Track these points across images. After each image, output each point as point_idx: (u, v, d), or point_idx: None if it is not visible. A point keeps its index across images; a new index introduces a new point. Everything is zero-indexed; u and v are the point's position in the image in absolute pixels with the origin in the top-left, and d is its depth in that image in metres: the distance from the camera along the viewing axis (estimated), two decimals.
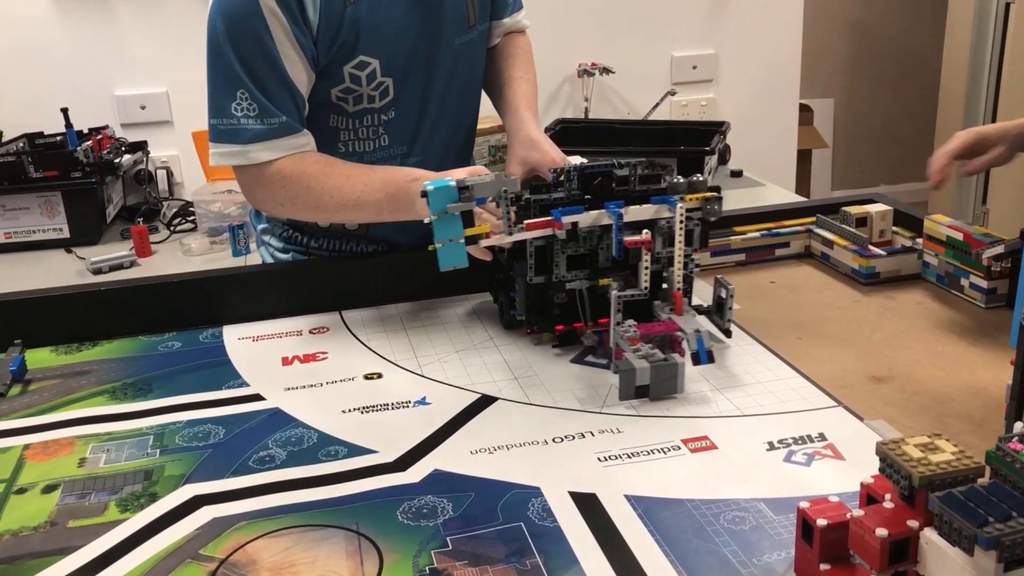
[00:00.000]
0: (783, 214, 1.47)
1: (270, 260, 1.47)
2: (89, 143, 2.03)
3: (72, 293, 1.27)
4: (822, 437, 0.93)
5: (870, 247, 1.33)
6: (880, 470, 0.65)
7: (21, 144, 2.08)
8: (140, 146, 2.24)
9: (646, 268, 1.07)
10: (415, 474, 0.89)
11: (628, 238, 1.06)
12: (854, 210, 1.37)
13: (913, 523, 0.62)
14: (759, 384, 1.04)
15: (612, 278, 1.10)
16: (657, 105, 2.49)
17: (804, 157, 3.55)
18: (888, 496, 0.65)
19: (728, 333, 1.10)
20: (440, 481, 0.88)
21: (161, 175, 2.27)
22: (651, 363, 0.99)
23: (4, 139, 2.14)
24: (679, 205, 1.07)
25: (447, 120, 1.38)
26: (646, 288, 1.09)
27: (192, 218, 2.10)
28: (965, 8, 3.27)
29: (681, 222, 1.07)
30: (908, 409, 0.98)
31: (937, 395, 1.01)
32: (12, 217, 1.98)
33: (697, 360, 1.01)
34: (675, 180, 1.10)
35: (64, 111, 2.02)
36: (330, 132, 1.31)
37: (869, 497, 0.68)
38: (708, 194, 1.10)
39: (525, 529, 0.80)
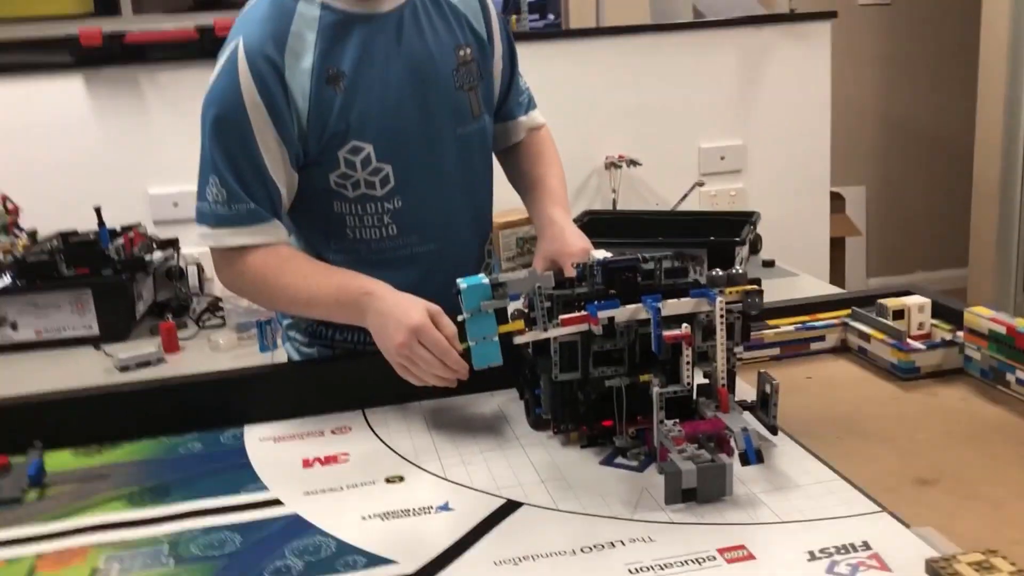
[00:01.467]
0: (818, 307, 1.44)
1: (296, 356, 1.45)
2: (121, 240, 2.05)
3: (93, 395, 1.26)
4: (866, 546, 0.87)
5: (908, 340, 1.29)
6: None
7: (55, 242, 2.10)
8: (172, 243, 2.26)
9: (687, 363, 1.05)
10: None
11: (668, 332, 1.03)
12: (891, 303, 1.34)
13: None
14: (798, 488, 0.99)
15: (653, 374, 1.07)
16: (686, 196, 2.49)
17: (838, 245, 3.51)
18: None
19: (774, 431, 1.07)
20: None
21: (192, 271, 2.28)
22: (698, 464, 0.95)
23: (39, 238, 2.17)
24: (719, 299, 1.05)
25: (464, 212, 1.38)
26: (689, 384, 1.06)
27: (221, 314, 2.10)
28: (996, 91, 3.26)
29: (722, 316, 1.05)
30: (958, 515, 0.92)
31: (989, 499, 0.95)
32: (43, 315, 1.99)
33: (746, 460, 0.97)
34: (714, 273, 1.07)
35: (97, 210, 2.05)
36: (336, 219, 1.32)
37: None
38: (749, 287, 1.07)
39: None
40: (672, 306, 1.06)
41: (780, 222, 2.61)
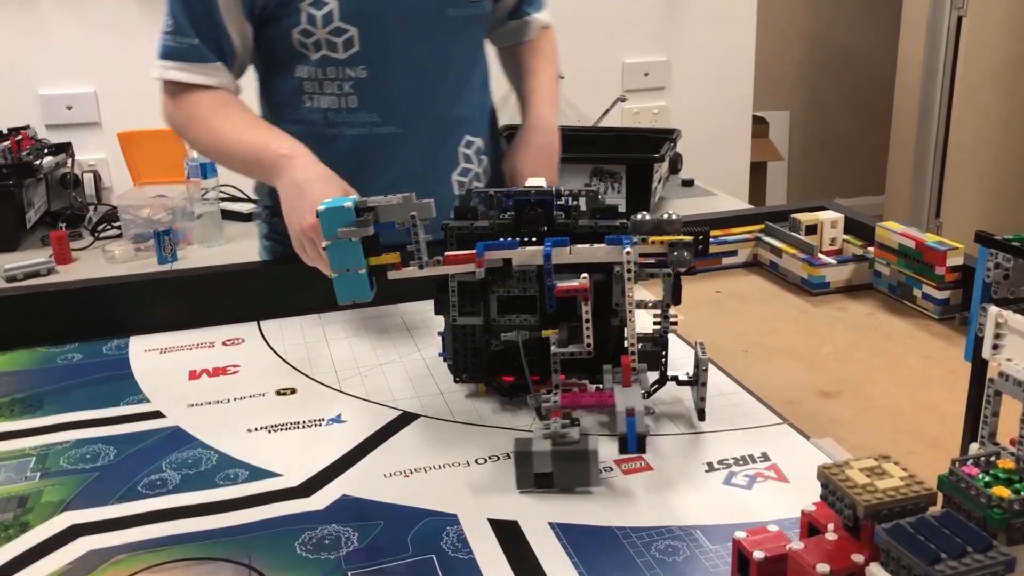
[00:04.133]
0: (731, 221, 1.41)
1: (261, 250, 1.44)
2: (7, 143, 1.92)
3: None
4: (765, 457, 0.86)
5: (820, 255, 1.27)
6: (822, 497, 0.58)
7: None
8: (64, 148, 2.13)
9: (587, 322, 0.87)
10: (320, 500, 0.81)
11: (561, 284, 0.86)
12: (804, 217, 1.32)
13: (858, 557, 0.55)
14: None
15: (558, 329, 0.91)
16: (607, 112, 2.43)
17: (759, 170, 3.52)
18: (831, 526, 0.59)
19: (701, 415, 0.91)
20: (347, 508, 0.80)
21: (88, 179, 2.16)
22: (555, 447, 0.80)
23: None
24: (628, 248, 0.85)
25: (438, 102, 1.31)
26: (589, 346, 0.88)
27: (118, 224, 1.99)
28: (918, 21, 3.26)
29: (630, 269, 0.86)
30: (857, 426, 0.92)
31: (888, 411, 0.94)
32: None
33: (624, 447, 0.78)
34: (638, 217, 0.88)
35: None
36: (295, 83, 1.27)
37: (811, 527, 0.61)
38: (678, 237, 0.87)
39: (436, 562, 0.72)
40: (581, 252, 0.88)
41: (702, 143, 2.59)
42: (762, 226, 1.39)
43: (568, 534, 0.75)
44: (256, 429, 0.94)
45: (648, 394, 0.92)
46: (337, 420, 0.96)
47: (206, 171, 1.92)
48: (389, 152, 1.29)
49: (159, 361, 1.12)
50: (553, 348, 0.88)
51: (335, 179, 1.14)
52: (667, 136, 2.11)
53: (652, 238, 0.86)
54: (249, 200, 2.18)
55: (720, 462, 0.85)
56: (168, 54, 1.24)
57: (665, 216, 0.87)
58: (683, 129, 2.30)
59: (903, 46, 3.43)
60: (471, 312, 0.94)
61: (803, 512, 0.62)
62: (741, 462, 0.85)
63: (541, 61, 1.44)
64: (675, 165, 2.22)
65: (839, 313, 1.20)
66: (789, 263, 1.29)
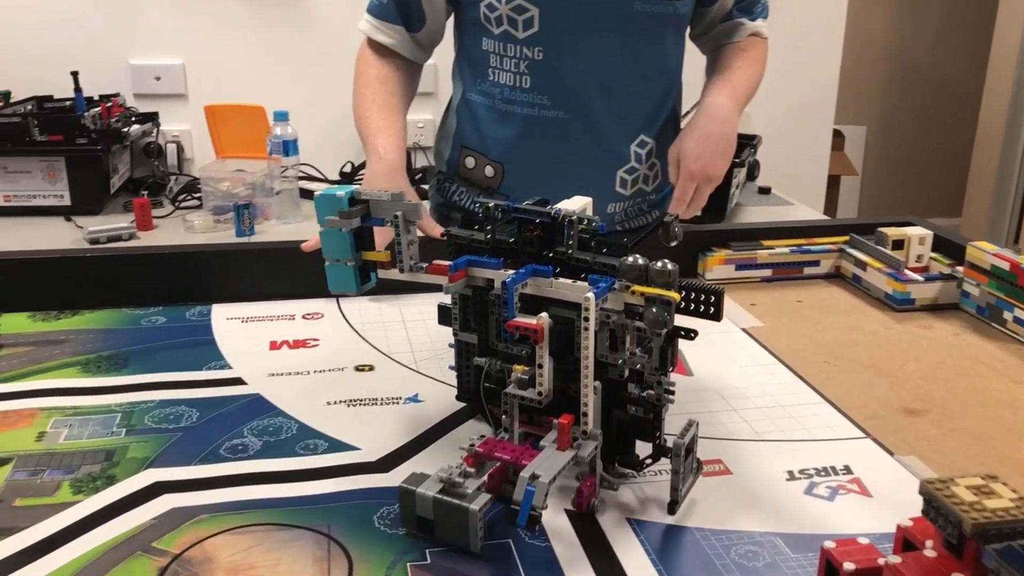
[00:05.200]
0: (814, 231, 1.39)
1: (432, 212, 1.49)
2: (97, 110, 1.97)
3: (56, 258, 1.20)
4: (847, 470, 0.84)
5: (906, 271, 1.25)
6: (923, 512, 0.57)
7: (29, 106, 2.02)
8: (151, 117, 2.17)
9: (539, 367, 0.75)
10: (397, 477, 0.81)
11: (516, 319, 0.75)
12: (891, 232, 1.29)
13: None
14: (780, 407, 0.96)
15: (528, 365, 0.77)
16: (688, 113, 2.41)
17: (832, 184, 3.46)
18: (929, 543, 0.57)
19: (673, 508, 0.77)
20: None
21: (171, 149, 2.21)
22: (436, 496, 0.71)
23: (13, 100, 2.08)
24: (590, 292, 0.72)
25: (613, 96, 1.30)
26: (541, 392, 0.75)
27: (198, 195, 2.03)
28: (1010, 43, 3.18)
29: (587, 318, 0.72)
30: (943, 447, 0.89)
31: (977, 434, 0.92)
32: (13, 180, 1.91)
33: (512, 519, 0.69)
34: (629, 260, 0.74)
35: (74, 74, 1.96)
36: (482, 56, 1.31)
37: (906, 542, 0.59)
38: (659, 292, 0.72)
39: (514, 548, 0.72)
40: (541, 286, 0.78)
41: (780, 152, 2.56)
42: (846, 238, 1.36)
43: (645, 530, 0.75)
44: (335, 402, 0.95)
45: (642, 466, 0.80)
46: (414, 399, 0.96)
47: (287, 148, 1.95)
48: (556, 137, 1.31)
49: (240, 330, 1.13)
50: (508, 388, 0.77)
51: (397, 177, 1.23)
52: (748, 142, 2.08)
53: (635, 287, 0.74)
54: (326, 180, 2.20)
55: (801, 471, 0.84)
56: (369, 7, 1.34)
57: (659, 265, 0.73)
58: (762, 137, 2.27)
59: (992, 67, 3.35)
60: (472, 328, 0.85)
61: (899, 526, 0.60)
62: (823, 473, 0.84)
63: (739, 59, 1.36)
64: (752, 172, 2.19)
65: (923, 331, 1.17)
66: (873, 277, 1.27)
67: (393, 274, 0.84)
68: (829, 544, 0.62)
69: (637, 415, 0.77)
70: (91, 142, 1.91)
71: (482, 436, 0.77)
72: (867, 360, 1.09)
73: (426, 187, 1.61)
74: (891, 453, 0.87)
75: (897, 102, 4.20)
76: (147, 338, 1.10)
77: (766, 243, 1.34)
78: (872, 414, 0.95)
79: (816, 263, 1.35)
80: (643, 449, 0.80)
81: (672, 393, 0.76)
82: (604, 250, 0.79)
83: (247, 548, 0.71)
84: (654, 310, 0.72)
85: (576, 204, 0.82)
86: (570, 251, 0.79)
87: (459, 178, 1.41)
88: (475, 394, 0.88)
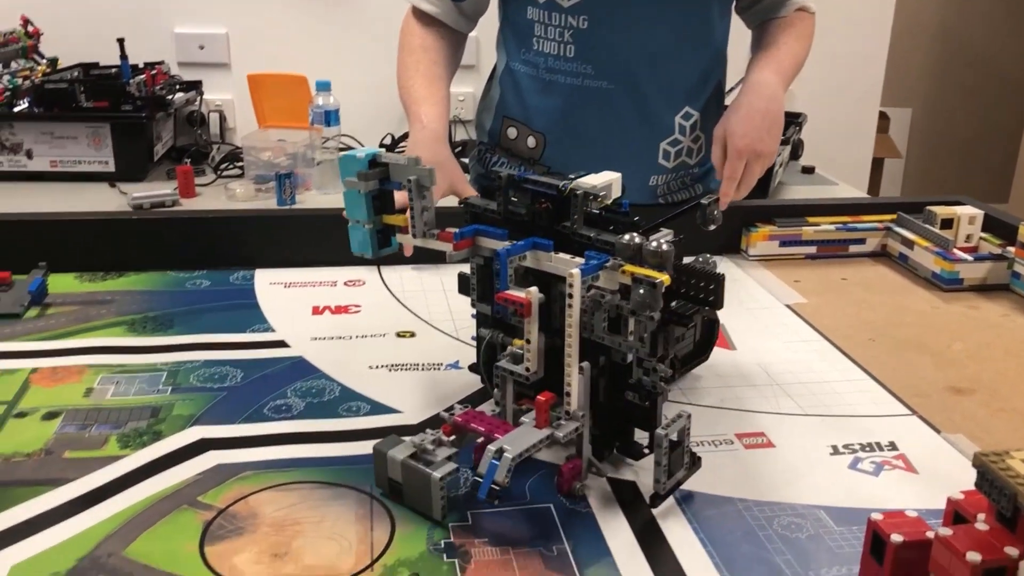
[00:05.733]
0: (861, 208, 1.37)
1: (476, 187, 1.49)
2: (142, 77, 1.98)
3: (103, 220, 1.22)
4: (893, 447, 0.83)
5: (955, 251, 1.22)
6: (976, 485, 0.56)
7: (75, 73, 2.04)
8: (194, 86, 2.19)
9: (527, 342, 0.73)
10: None
11: (507, 292, 0.73)
12: (940, 210, 1.27)
13: (1012, 550, 0.53)
14: (825, 383, 0.95)
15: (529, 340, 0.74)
16: (732, 89, 2.38)
17: (876, 166, 3.41)
18: (981, 516, 0.56)
19: (655, 501, 0.73)
20: (465, 451, 0.80)
21: (214, 118, 2.22)
22: (404, 459, 0.71)
23: (60, 67, 2.10)
24: (577, 272, 0.69)
25: (658, 67, 1.29)
26: (529, 368, 0.74)
27: (240, 164, 2.04)
28: None
29: (569, 295, 0.70)
30: (991, 426, 0.88)
31: None
32: (59, 145, 1.93)
33: (475, 489, 0.68)
34: (626, 238, 0.71)
35: (120, 41, 1.97)
36: (526, 25, 1.31)
37: (957, 515, 0.59)
38: (649, 274, 0.68)
39: (555, 512, 0.72)
40: (537, 259, 0.75)
41: (824, 132, 2.52)
42: (892, 216, 1.34)
43: (687, 500, 0.74)
44: (377, 367, 0.96)
45: (641, 455, 0.78)
46: (455, 366, 0.96)
47: (329, 119, 1.95)
48: (599, 107, 1.30)
49: (283, 294, 1.14)
50: (501, 362, 0.76)
51: (439, 145, 1.21)
52: (793, 119, 2.05)
53: (626, 267, 0.71)
54: None
55: (846, 446, 0.83)
56: None
57: (654, 244, 0.70)
58: (807, 115, 2.24)
59: None
60: (487, 300, 0.83)
61: (949, 499, 0.59)
62: (868, 448, 0.83)
63: (785, 35, 1.33)
64: (796, 151, 2.16)
65: (971, 311, 1.15)
66: (921, 256, 1.25)
67: (409, 239, 0.83)
68: (876, 516, 0.61)
69: (634, 401, 0.75)
70: (136, 109, 1.93)
71: (466, 406, 0.77)
72: (913, 339, 1.07)
73: (466, 160, 1.60)
74: (938, 431, 0.86)
75: (944, 84, 4.12)
76: (192, 300, 1.11)
77: (811, 220, 1.32)
78: (918, 392, 0.94)
79: (862, 241, 1.33)
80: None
81: (667, 381, 0.73)
82: (611, 227, 0.76)
83: (291, 504, 0.72)
84: (641, 291, 0.68)
85: (601, 179, 0.79)
86: (574, 226, 0.77)
87: (501, 149, 1.41)
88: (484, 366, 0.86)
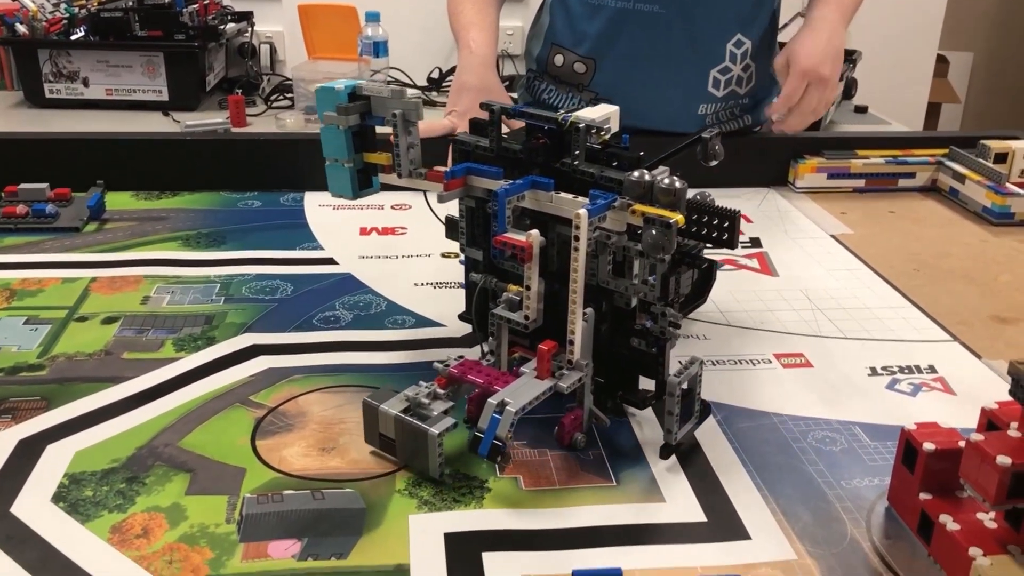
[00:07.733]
0: (913, 142, 1.35)
1: None
2: (195, 7, 2.00)
3: (158, 140, 1.24)
4: (932, 370, 0.83)
5: (1008, 185, 1.20)
6: (1011, 392, 0.56)
7: (130, 2, 2.06)
8: (245, 17, 2.20)
9: (527, 288, 0.68)
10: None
11: (505, 235, 0.68)
12: (995, 144, 1.24)
13: None
14: (866, 309, 0.95)
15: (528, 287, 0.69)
16: (786, 26, 2.34)
17: (933, 111, 3.33)
18: (1015, 424, 0.57)
19: (665, 452, 0.70)
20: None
21: (264, 50, 2.24)
22: (398, 414, 0.67)
23: None
24: (583, 209, 0.64)
25: None
26: (528, 316, 0.69)
27: (290, 95, 2.06)
28: None
29: (576, 237, 0.64)
30: None
31: None
32: (114, 75, 1.97)
33: (474, 446, 0.64)
34: (634, 176, 0.65)
35: None
36: None
37: (990, 423, 0.59)
38: (660, 212, 0.63)
39: (593, 424, 0.74)
40: (539, 200, 0.69)
41: (879, 73, 2.47)
42: (944, 151, 1.32)
43: (723, 412, 0.76)
44: (422, 284, 0.98)
45: (645, 404, 0.74)
46: None
47: (378, 50, 1.96)
48: (649, 32, 1.29)
49: (332, 215, 1.16)
50: (497, 309, 0.71)
51: (487, 71, 1.23)
52: (847, 56, 2.01)
53: (636, 206, 0.65)
54: (415, 86, 2.21)
55: (884, 368, 0.83)
56: None
57: (666, 182, 0.64)
58: (862, 52, 2.19)
59: None
60: (479, 244, 0.78)
61: (983, 409, 0.60)
62: (906, 371, 0.83)
63: None
64: (849, 89, 2.12)
65: (1021, 245, 1.14)
66: (972, 190, 1.23)
67: (393, 179, 0.76)
68: (910, 426, 0.62)
69: (639, 348, 0.71)
70: (189, 38, 1.96)
71: (460, 356, 0.72)
72: (959, 270, 1.06)
73: (514, 95, 1.60)
74: (979, 356, 0.86)
75: (1009, 30, 3.99)
76: (243, 219, 1.14)
77: (861, 153, 1.31)
78: (961, 320, 0.94)
79: (912, 175, 1.31)
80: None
81: (677, 327, 0.68)
82: (615, 163, 0.70)
83: (338, 405, 0.75)
84: (653, 232, 0.63)
85: (598, 112, 0.73)
86: (576, 163, 0.71)
87: (548, 76, 1.41)
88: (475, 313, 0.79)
